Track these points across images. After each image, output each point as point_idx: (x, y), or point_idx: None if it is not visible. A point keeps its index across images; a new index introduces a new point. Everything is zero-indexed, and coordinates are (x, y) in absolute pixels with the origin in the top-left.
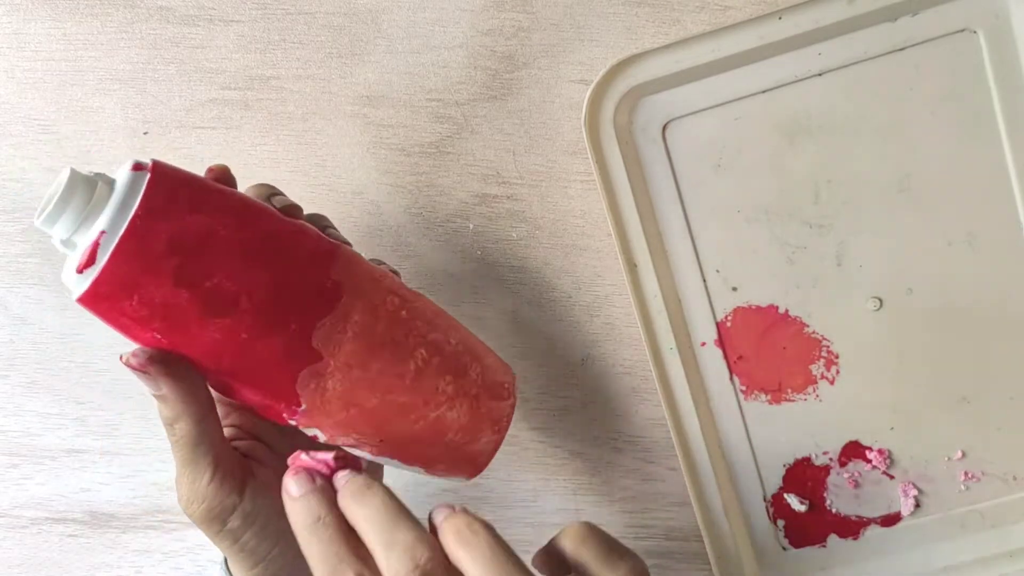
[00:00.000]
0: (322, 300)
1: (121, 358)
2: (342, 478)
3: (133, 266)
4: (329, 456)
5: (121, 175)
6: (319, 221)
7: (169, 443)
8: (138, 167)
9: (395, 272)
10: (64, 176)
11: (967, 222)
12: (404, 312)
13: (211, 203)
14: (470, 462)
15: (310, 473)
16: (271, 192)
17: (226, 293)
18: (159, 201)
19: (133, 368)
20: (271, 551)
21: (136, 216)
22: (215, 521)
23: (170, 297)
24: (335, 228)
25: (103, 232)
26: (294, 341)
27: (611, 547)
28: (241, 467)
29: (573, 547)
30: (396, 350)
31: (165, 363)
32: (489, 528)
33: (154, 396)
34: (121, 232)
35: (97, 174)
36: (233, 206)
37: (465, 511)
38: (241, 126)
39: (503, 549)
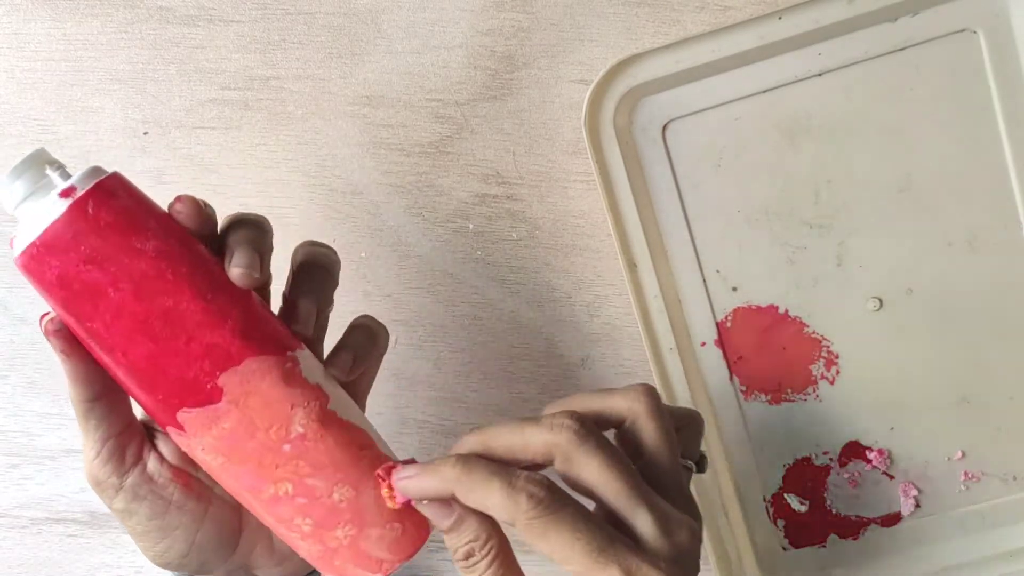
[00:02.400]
0: (196, 393)
1: (41, 318)
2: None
3: (31, 277)
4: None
5: (55, 190)
6: (308, 308)
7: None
8: (66, 192)
9: (324, 395)
10: (29, 152)
11: (967, 222)
12: (287, 447)
13: (116, 263)
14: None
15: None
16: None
17: (103, 340)
18: (61, 240)
19: (46, 332)
20: (165, 535)
21: (32, 244)
22: (104, 497)
23: (59, 312)
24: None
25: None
26: (159, 406)
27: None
28: (137, 445)
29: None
30: (260, 472)
31: (67, 339)
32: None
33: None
34: (22, 249)
35: (61, 169)
36: (142, 274)
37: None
38: (241, 126)
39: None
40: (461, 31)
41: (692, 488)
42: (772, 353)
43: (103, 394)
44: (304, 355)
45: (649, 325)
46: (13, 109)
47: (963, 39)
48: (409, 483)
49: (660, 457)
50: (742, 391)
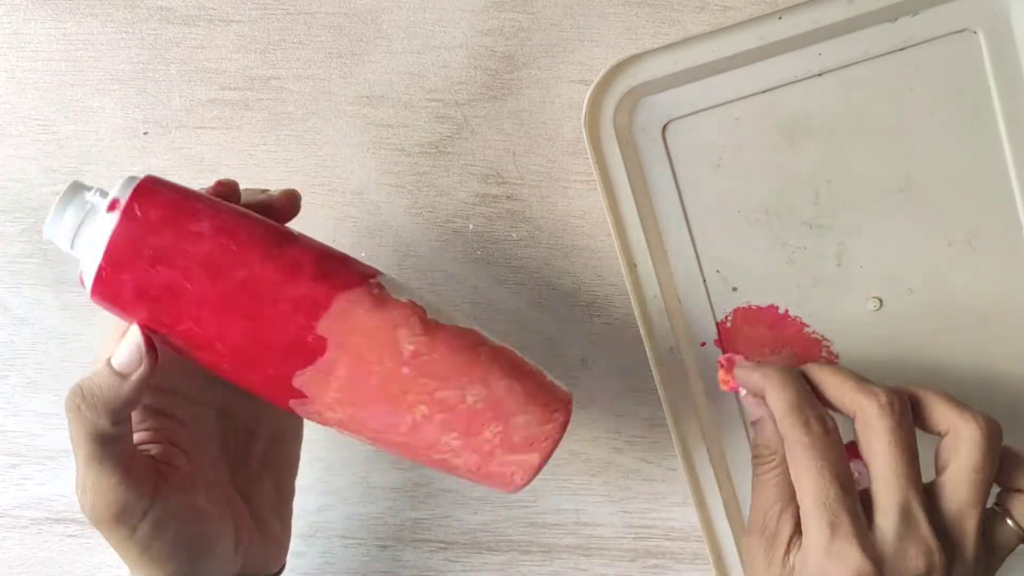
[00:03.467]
0: (301, 352)
1: None
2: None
3: (110, 302)
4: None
5: (102, 208)
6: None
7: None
8: (112, 206)
9: (420, 308)
10: (64, 187)
11: (967, 222)
12: (406, 369)
13: (182, 253)
14: (491, 483)
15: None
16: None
17: (199, 337)
18: (123, 251)
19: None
20: (182, 563)
21: (100, 267)
22: (123, 526)
23: (149, 327)
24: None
25: (86, 262)
26: (272, 382)
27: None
28: (153, 469)
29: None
30: (390, 405)
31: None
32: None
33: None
34: (92, 278)
35: (98, 190)
36: (208, 255)
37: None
38: (241, 126)
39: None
40: (461, 31)
41: (690, 488)
42: (772, 353)
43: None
44: (385, 278)
45: (649, 325)
46: (13, 109)
47: (963, 39)
48: (746, 374)
49: (950, 494)
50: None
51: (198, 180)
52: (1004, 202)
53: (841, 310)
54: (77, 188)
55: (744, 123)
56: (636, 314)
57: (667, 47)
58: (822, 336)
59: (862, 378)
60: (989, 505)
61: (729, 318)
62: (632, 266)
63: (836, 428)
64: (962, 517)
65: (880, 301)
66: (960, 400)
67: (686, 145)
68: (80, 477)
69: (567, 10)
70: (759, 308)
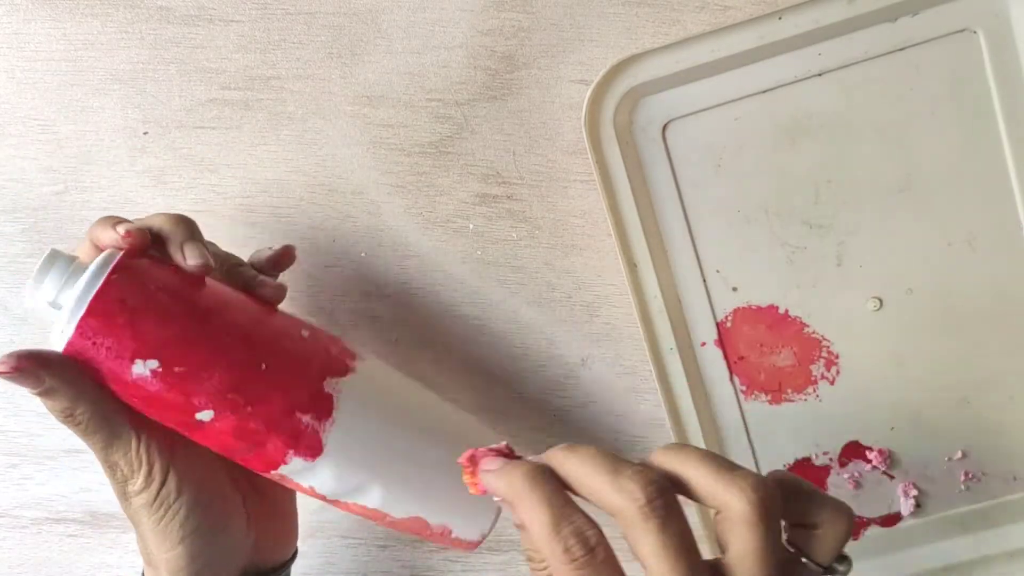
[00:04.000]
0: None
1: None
2: (550, 450)
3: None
4: (503, 444)
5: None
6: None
7: (81, 439)
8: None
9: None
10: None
11: (967, 222)
12: None
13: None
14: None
15: (498, 456)
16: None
17: (228, 351)
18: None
19: (6, 373)
20: (199, 534)
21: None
22: (154, 483)
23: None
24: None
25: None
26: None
27: (811, 491)
28: (161, 429)
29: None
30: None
31: (39, 356)
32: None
33: (38, 395)
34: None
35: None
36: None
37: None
38: (241, 126)
39: (709, 451)
40: (461, 31)
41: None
42: (772, 353)
43: (103, 390)
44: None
45: (649, 325)
46: (13, 109)
47: (963, 39)
48: (494, 482)
49: (738, 566)
50: (742, 391)
51: (198, 180)
52: (1004, 202)
53: (841, 310)
54: (53, 256)
55: (744, 123)
56: (636, 314)
57: (667, 47)
58: (822, 336)
59: (616, 460)
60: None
61: (729, 318)
62: (632, 266)
63: (601, 541)
64: None
65: (880, 301)
66: (725, 463)
67: (686, 145)
68: (105, 467)
69: (567, 10)
70: (759, 308)
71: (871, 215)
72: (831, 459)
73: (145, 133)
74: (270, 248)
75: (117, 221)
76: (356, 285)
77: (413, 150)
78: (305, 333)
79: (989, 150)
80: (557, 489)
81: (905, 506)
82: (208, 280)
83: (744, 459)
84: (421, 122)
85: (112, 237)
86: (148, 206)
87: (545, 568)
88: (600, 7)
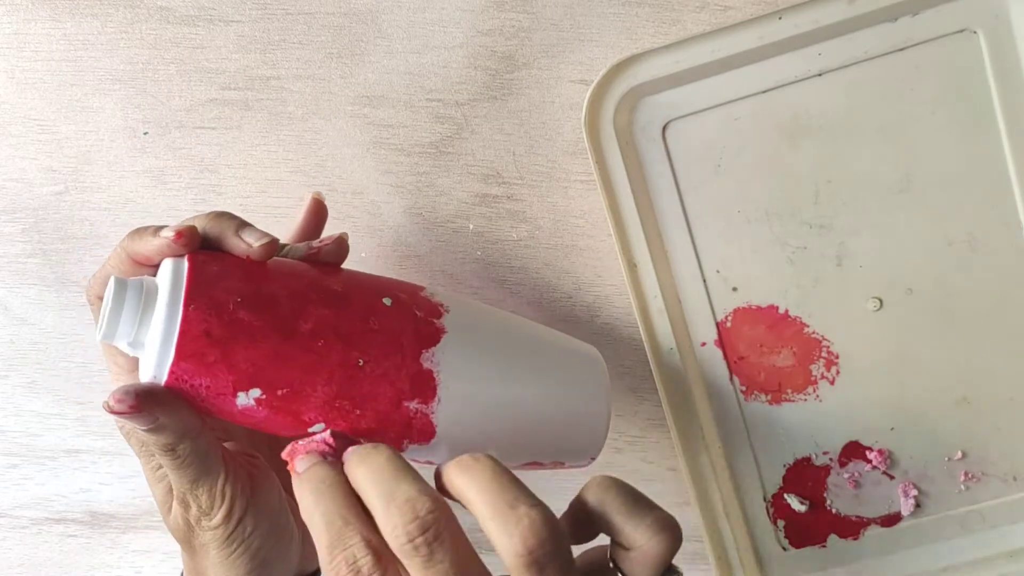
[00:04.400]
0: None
1: (106, 406)
2: (349, 450)
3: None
4: (326, 434)
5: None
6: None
7: (170, 470)
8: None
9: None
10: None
11: (967, 222)
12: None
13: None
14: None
15: (313, 452)
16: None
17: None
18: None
19: (125, 413)
20: (265, 557)
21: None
22: (232, 520)
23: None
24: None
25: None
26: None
27: (636, 498)
28: (246, 465)
29: (596, 498)
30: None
31: (154, 395)
32: (491, 457)
33: (148, 431)
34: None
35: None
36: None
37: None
38: (241, 126)
39: (505, 472)
40: (461, 31)
41: (690, 488)
42: (772, 353)
43: (203, 423)
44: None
45: (649, 325)
46: (13, 109)
47: (963, 39)
48: (294, 485)
49: None
50: (742, 391)
51: (198, 180)
52: (1004, 202)
53: (841, 310)
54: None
55: (744, 123)
56: (636, 314)
57: (667, 47)
58: (822, 336)
59: (396, 479)
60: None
61: (729, 318)
62: (632, 266)
63: (375, 568)
64: None
65: (880, 301)
66: (511, 491)
67: (686, 145)
68: (182, 498)
69: (567, 10)
70: (759, 308)
71: (871, 215)
72: (831, 459)
73: (145, 133)
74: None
75: (156, 228)
76: None
77: (413, 150)
78: (387, 301)
79: (989, 150)
80: (342, 506)
81: (905, 506)
82: (274, 265)
83: (744, 459)
84: (421, 122)
85: (157, 245)
86: (148, 206)
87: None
88: (600, 7)
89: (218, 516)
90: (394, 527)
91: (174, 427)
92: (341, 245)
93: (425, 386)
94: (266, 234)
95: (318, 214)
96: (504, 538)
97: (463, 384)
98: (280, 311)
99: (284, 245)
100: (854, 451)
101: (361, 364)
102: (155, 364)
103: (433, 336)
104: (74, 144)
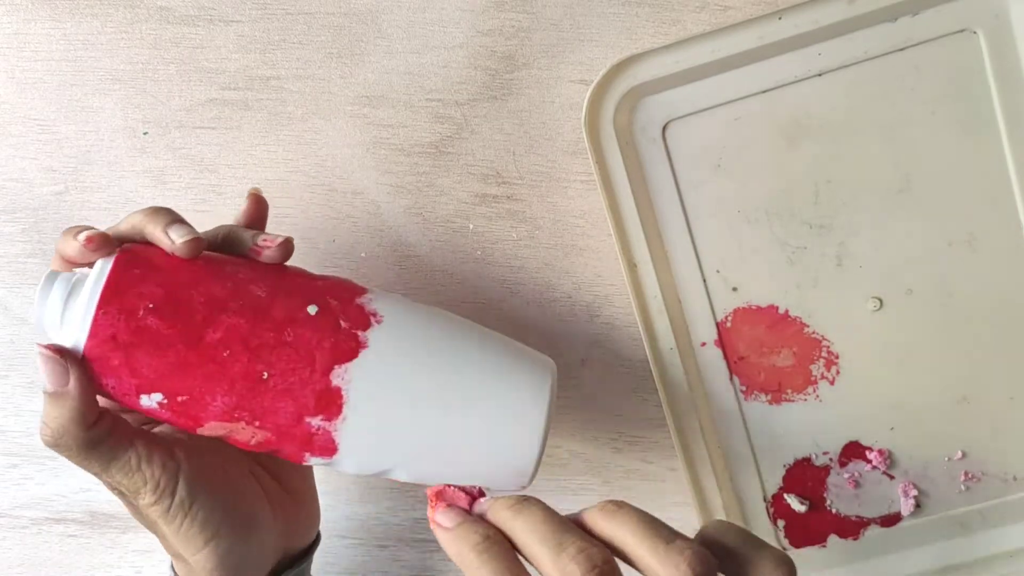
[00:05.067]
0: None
1: (38, 345)
2: (485, 502)
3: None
4: (475, 488)
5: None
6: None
7: (80, 463)
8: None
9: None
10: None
11: (967, 222)
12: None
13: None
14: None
15: (454, 505)
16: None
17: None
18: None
19: (48, 351)
20: (218, 527)
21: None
22: (165, 495)
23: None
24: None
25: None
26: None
27: (749, 535)
28: (167, 441)
29: (719, 534)
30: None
31: (75, 357)
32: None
33: (51, 396)
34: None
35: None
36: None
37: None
38: (241, 126)
39: (650, 515)
40: (461, 31)
41: (690, 488)
42: (772, 353)
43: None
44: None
45: (649, 325)
46: (13, 109)
47: (963, 39)
48: (441, 536)
49: None
50: (742, 391)
51: (198, 180)
52: (1004, 202)
53: (841, 310)
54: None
55: (744, 123)
56: (636, 314)
57: (667, 47)
58: (822, 336)
59: (560, 530)
60: None
61: (729, 318)
62: (632, 266)
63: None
64: None
65: (880, 301)
66: (663, 532)
67: (686, 145)
68: (109, 481)
69: (567, 10)
70: (759, 308)
71: (871, 215)
72: (831, 459)
73: (145, 133)
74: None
75: (79, 230)
76: None
77: (413, 150)
78: (312, 310)
79: (989, 150)
80: (506, 565)
81: (905, 506)
82: (203, 261)
83: (744, 459)
84: (421, 122)
85: (75, 248)
86: (148, 206)
87: None
88: (600, 7)
89: (147, 495)
90: (571, 573)
91: (76, 401)
92: (284, 250)
93: (331, 403)
94: (192, 231)
95: (259, 206)
96: (669, 568)
97: (373, 404)
98: (190, 319)
99: (229, 227)
100: (854, 451)
101: (265, 377)
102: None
103: (351, 351)
104: (74, 144)
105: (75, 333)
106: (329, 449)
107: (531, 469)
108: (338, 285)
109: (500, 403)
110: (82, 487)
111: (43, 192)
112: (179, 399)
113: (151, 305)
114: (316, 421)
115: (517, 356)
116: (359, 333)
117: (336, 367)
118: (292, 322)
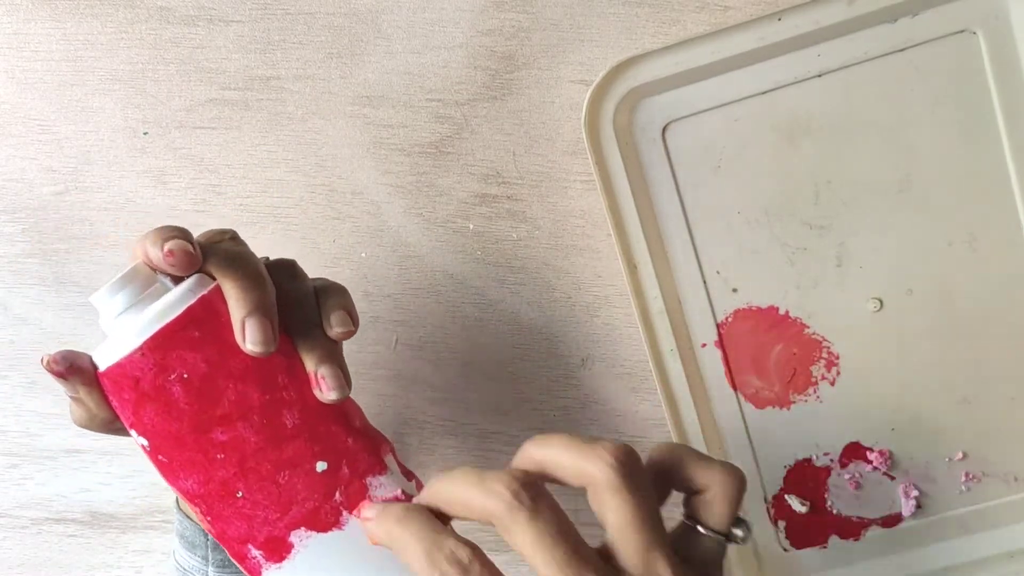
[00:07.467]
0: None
1: (43, 360)
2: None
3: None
4: (397, 491)
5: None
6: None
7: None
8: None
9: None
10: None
11: (967, 222)
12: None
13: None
14: None
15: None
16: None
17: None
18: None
19: (53, 372)
20: None
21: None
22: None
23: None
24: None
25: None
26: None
27: (700, 453)
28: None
29: (669, 451)
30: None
31: (83, 372)
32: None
33: (71, 398)
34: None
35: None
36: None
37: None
38: (241, 126)
39: (578, 436)
40: (461, 31)
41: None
42: (772, 354)
43: None
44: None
45: (649, 326)
46: (13, 109)
47: (963, 39)
48: (368, 527)
49: (618, 539)
50: (742, 392)
51: (198, 180)
52: (1004, 202)
53: (841, 310)
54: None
55: (744, 124)
56: (636, 314)
57: (667, 48)
58: (822, 336)
59: (482, 471)
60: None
61: (729, 319)
62: (632, 267)
63: (475, 556)
64: (646, 557)
65: (880, 301)
66: (585, 439)
67: (686, 146)
68: None
69: (567, 10)
70: (759, 309)
71: (871, 215)
72: (832, 460)
73: (145, 133)
74: (267, 257)
75: (169, 236)
76: (356, 285)
77: (413, 150)
78: (321, 467)
79: (989, 150)
80: (426, 521)
81: (906, 507)
82: (257, 363)
83: (744, 460)
84: (421, 122)
85: (156, 256)
86: (148, 206)
87: None
88: (600, 7)
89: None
90: (496, 492)
91: (88, 407)
92: (338, 390)
93: (277, 550)
94: (268, 339)
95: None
96: (593, 462)
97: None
98: (211, 409)
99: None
100: (855, 452)
101: (239, 496)
102: (100, 357)
103: (325, 524)
104: (74, 144)
105: (114, 345)
106: (255, 573)
107: None
108: (364, 452)
109: None
110: (82, 487)
111: (43, 192)
112: (160, 457)
113: (186, 376)
114: (255, 552)
115: None
116: (343, 513)
117: (301, 529)
118: (294, 468)
